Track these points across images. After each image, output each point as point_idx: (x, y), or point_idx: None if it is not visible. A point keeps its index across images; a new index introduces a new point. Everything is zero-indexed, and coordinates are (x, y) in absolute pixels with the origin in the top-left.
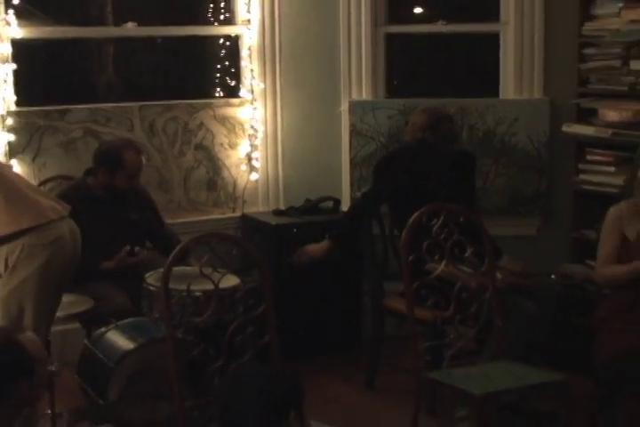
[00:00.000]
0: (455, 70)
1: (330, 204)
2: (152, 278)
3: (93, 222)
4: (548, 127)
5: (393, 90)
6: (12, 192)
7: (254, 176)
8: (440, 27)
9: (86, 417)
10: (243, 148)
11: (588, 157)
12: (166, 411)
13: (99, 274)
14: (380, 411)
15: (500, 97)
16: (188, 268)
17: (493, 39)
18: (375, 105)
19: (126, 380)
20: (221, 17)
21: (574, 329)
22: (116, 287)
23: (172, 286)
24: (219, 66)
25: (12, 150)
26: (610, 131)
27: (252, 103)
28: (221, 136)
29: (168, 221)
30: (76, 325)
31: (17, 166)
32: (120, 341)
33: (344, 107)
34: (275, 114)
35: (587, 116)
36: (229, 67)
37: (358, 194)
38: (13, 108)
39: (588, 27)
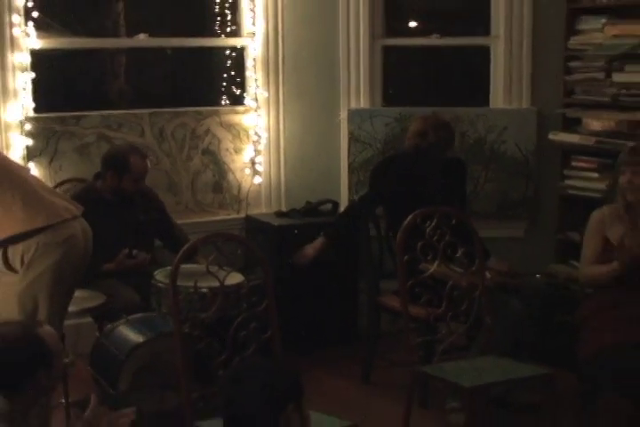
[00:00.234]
0: (448, 81)
1: (329, 206)
2: (161, 276)
3: (102, 224)
4: (535, 135)
5: (389, 99)
6: (28, 193)
7: (258, 180)
8: (434, 40)
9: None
10: (247, 153)
11: (573, 164)
12: (173, 401)
13: (103, 273)
14: (375, 403)
15: (490, 106)
16: (195, 265)
17: (484, 52)
18: (372, 113)
19: (136, 371)
20: (228, 29)
21: (559, 327)
22: (126, 285)
23: (179, 282)
24: (225, 75)
25: (30, 154)
26: (593, 139)
27: (256, 111)
28: (227, 142)
29: (176, 221)
30: (89, 319)
31: (34, 169)
32: (130, 334)
33: (343, 115)
34: (277, 121)
35: (572, 125)
36: (235, 76)
37: (356, 197)
38: (31, 114)
39: (574, 41)
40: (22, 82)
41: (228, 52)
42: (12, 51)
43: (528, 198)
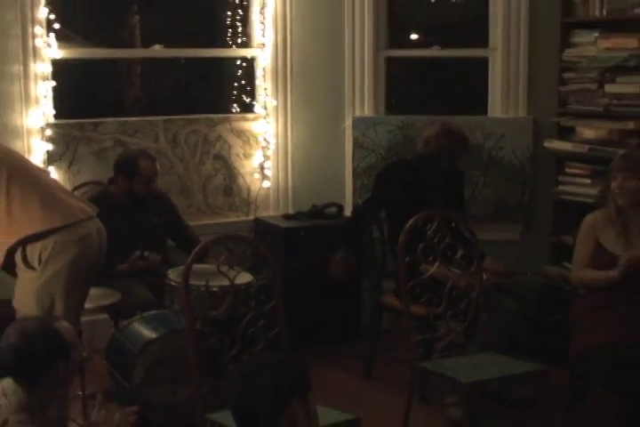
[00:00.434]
0: (448, 90)
1: (334, 209)
2: (174, 275)
3: (117, 226)
4: (531, 143)
5: (392, 107)
6: (47, 194)
7: (266, 184)
8: (435, 51)
9: (114, 399)
10: (256, 158)
11: (567, 170)
12: (185, 394)
13: (117, 273)
14: (376, 397)
15: (488, 115)
16: (207, 265)
17: (483, 63)
18: (376, 121)
19: (149, 366)
20: (239, 40)
21: (552, 325)
22: (141, 283)
23: (191, 281)
24: (236, 84)
25: (51, 158)
26: (586, 147)
27: (265, 118)
28: (237, 147)
29: (188, 223)
30: (105, 316)
31: (54, 172)
32: (144, 330)
33: (348, 122)
34: (285, 128)
35: (566, 133)
36: (245, 85)
37: (360, 201)
38: (52, 120)
39: (568, 53)
40: (44, 90)
41: (238, 62)
42: (35, 60)
43: (524, 203)
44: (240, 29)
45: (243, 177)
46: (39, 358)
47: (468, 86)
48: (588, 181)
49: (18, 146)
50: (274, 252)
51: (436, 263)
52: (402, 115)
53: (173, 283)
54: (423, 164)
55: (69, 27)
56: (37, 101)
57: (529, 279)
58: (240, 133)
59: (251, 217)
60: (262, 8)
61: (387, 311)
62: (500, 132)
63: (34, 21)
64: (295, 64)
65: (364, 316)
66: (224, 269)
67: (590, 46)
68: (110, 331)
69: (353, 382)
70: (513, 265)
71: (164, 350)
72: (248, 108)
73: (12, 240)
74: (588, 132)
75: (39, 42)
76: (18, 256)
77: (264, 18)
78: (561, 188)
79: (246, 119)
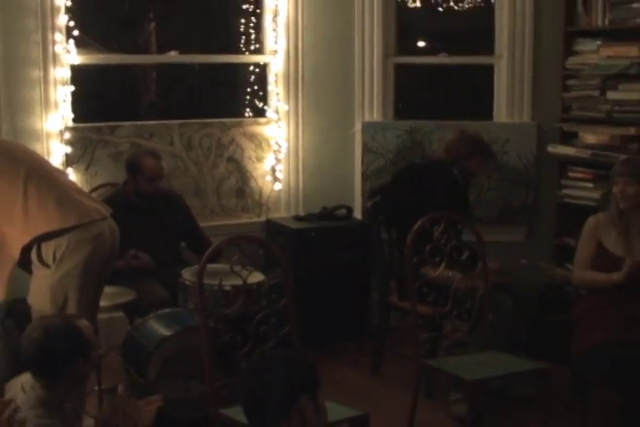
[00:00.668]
0: (455, 96)
1: (343, 211)
2: (188, 274)
3: (129, 226)
4: (535, 147)
5: (400, 113)
6: (62, 194)
7: (278, 186)
8: (442, 58)
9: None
10: (268, 161)
11: (570, 175)
12: (198, 390)
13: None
14: (383, 393)
15: (494, 120)
16: (220, 265)
17: (488, 70)
18: (385, 126)
19: (163, 362)
20: (252, 47)
21: (554, 325)
22: (156, 282)
23: (205, 281)
24: (249, 89)
25: (69, 161)
26: (589, 152)
27: (277, 122)
28: (250, 151)
29: (202, 224)
30: (121, 313)
31: (72, 174)
32: (159, 328)
33: (357, 127)
34: (297, 132)
35: (569, 138)
36: (258, 90)
37: (369, 203)
38: (70, 124)
39: (571, 61)
40: (63, 94)
41: (251, 68)
42: (54, 66)
43: (528, 206)
44: (253, 36)
45: (255, 179)
46: (60, 355)
47: (474, 92)
48: (590, 184)
49: (37, 149)
50: (285, 252)
51: (443, 265)
52: (410, 120)
53: (187, 282)
54: (435, 169)
55: (88, 33)
56: (56, 105)
57: (530, 279)
58: (252, 137)
59: (262, 218)
60: (275, 16)
61: (394, 310)
62: (504, 137)
63: (54, 28)
64: (306, 70)
65: (373, 315)
66: (237, 268)
67: (593, 54)
68: (126, 328)
69: (361, 378)
70: (517, 266)
71: (178, 346)
72: (260, 113)
73: (27, 238)
74: (590, 137)
75: (59, 48)
76: (33, 254)
77: (276, 25)
78: (564, 191)
79: (259, 123)
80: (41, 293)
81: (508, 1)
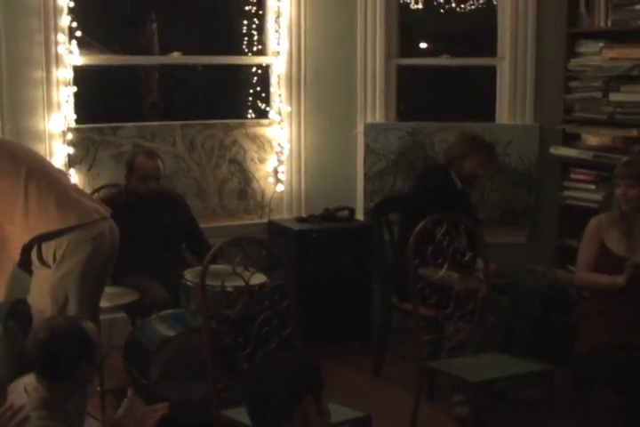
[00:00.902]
0: (457, 98)
1: (346, 212)
2: (190, 275)
3: (129, 226)
4: (537, 149)
5: (402, 114)
6: (62, 195)
7: (280, 187)
8: (444, 60)
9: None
10: (270, 162)
11: (572, 176)
12: (200, 391)
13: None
14: (385, 395)
15: (496, 122)
16: (222, 266)
17: (491, 72)
18: (387, 127)
19: (166, 363)
20: (254, 48)
21: (557, 326)
22: (156, 282)
23: (207, 282)
24: (251, 91)
25: (71, 161)
26: (591, 153)
27: (279, 124)
28: (252, 152)
29: (204, 225)
30: (123, 314)
31: (75, 175)
32: (161, 329)
33: (359, 128)
34: (299, 133)
35: (571, 140)
36: (260, 92)
37: (371, 204)
38: (73, 124)
39: (573, 63)
40: (65, 95)
41: (254, 69)
42: (57, 67)
43: (530, 207)
44: (256, 38)
45: (257, 181)
46: (65, 356)
47: (476, 94)
48: (592, 186)
49: (40, 149)
50: (287, 253)
51: (445, 266)
52: (412, 121)
53: (190, 283)
54: (431, 172)
55: (91, 34)
56: (59, 106)
57: (528, 280)
58: (255, 138)
59: (265, 220)
60: (277, 17)
61: (396, 312)
62: (507, 139)
63: (57, 29)
64: (309, 71)
65: (375, 316)
66: (239, 270)
67: (595, 56)
68: (128, 329)
69: (363, 379)
70: (520, 267)
71: (181, 347)
72: (263, 114)
73: (27, 237)
74: (592, 139)
75: (61, 49)
76: (33, 254)
77: (279, 27)
78: (566, 193)
79: (261, 125)
80: (41, 293)
81: (511, 2)
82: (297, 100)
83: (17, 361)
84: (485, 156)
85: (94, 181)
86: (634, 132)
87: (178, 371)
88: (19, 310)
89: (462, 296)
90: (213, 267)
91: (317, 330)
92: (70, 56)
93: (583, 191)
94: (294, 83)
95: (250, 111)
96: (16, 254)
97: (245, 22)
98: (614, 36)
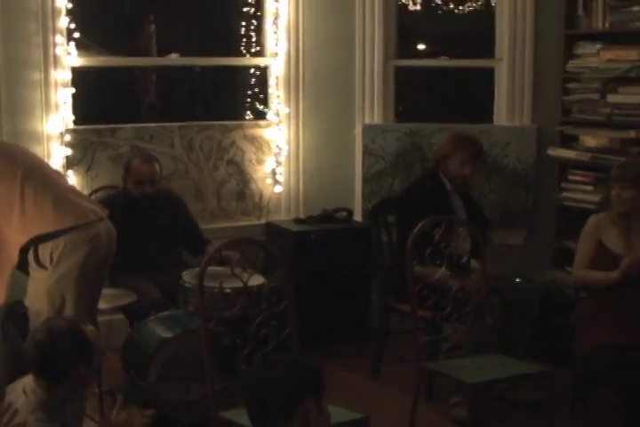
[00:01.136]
0: (455, 99)
1: (344, 214)
2: (188, 276)
3: (126, 227)
4: (535, 151)
5: (400, 115)
6: (59, 196)
7: (278, 189)
8: (442, 61)
9: (130, 398)
10: (269, 164)
11: (570, 177)
12: (198, 393)
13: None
14: (384, 396)
15: (494, 123)
16: (220, 268)
17: (489, 73)
18: (385, 128)
19: (164, 364)
20: (252, 50)
21: (555, 328)
22: (152, 284)
23: (205, 283)
24: (249, 92)
25: (69, 163)
26: (589, 155)
27: (277, 125)
28: (250, 153)
29: (202, 227)
30: (121, 316)
31: (73, 177)
32: (159, 330)
33: (358, 129)
34: (297, 135)
35: (569, 141)
36: (259, 93)
37: (369, 205)
38: (71, 126)
39: (571, 64)
40: (63, 97)
41: (252, 70)
42: (55, 68)
43: (527, 209)
44: (254, 39)
45: (255, 182)
46: (63, 357)
47: (474, 95)
48: (590, 187)
49: (38, 151)
50: (285, 255)
51: (444, 267)
52: (410, 122)
53: (188, 284)
54: (424, 176)
55: (89, 36)
56: (57, 108)
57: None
58: (253, 140)
59: (263, 221)
60: (275, 19)
61: (394, 313)
62: (505, 140)
63: (55, 31)
64: (307, 73)
65: (373, 317)
66: (237, 271)
67: (593, 58)
68: (126, 330)
69: (361, 381)
70: (516, 269)
71: (179, 349)
72: (261, 116)
73: (24, 239)
74: (590, 140)
75: (59, 50)
76: (30, 255)
77: (277, 28)
78: (564, 194)
79: (259, 126)
80: (38, 294)
81: (509, 4)
82: (295, 102)
83: (14, 363)
84: (469, 154)
85: (92, 183)
86: (631, 134)
87: (176, 372)
88: (16, 311)
89: (460, 297)
90: (211, 268)
91: (315, 331)
92: (68, 57)
93: (581, 193)
94: (292, 84)
95: (248, 112)
96: (14, 256)
97: (243, 23)
98: (612, 38)
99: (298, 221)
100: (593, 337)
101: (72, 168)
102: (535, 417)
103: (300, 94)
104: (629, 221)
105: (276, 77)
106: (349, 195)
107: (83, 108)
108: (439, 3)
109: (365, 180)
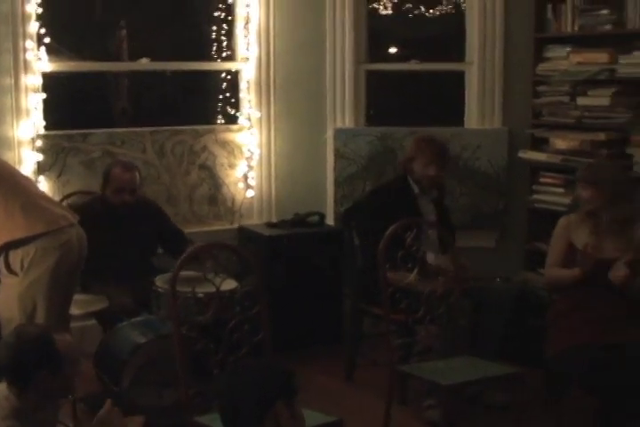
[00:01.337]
0: (426, 103)
1: (316, 218)
2: (160, 281)
3: (101, 233)
4: (506, 153)
5: (372, 119)
6: (29, 202)
7: (250, 193)
8: (413, 65)
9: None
10: (240, 168)
11: (541, 180)
12: (172, 398)
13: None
14: (357, 399)
15: (465, 126)
16: (192, 272)
17: (459, 76)
18: (356, 132)
19: (137, 370)
20: (223, 54)
21: (529, 330)
22: (122, 290)
23: (178, 288)
24: (220, 96)
25: (40, 168)
26: (560, 157)
27: (249, 129)
28: (222, 158)
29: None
30: (94, 321)
31: (44, 182)
32: (132, 335)
33: (329, 133)
34: (269, 139)
35: (540, 144)
36: (230, 97)
37: (341, 209)
38: (42, 131)
39: (541, 67)
40: (34, 102)
41: (223, 75)
42: (26, 73)
43: (499, 211)
44: (225, 43)
45: (227, 186)
46: (25, 363)
47: (445, 99)
48: (561, 190)
49: (9, 156)
50: (258, 259)
51: (416, 270)
52: (381, 126)
53: (160, 289)
54: (393, 181)
55: (59, 41)
56: (28, 113)
57: (496, 283)
58: (225, 144)
59: (235, 225)
60: (246, 23)
61: (367, 316)
62: (476, 143)
63: (25, 36)
64: (278, 77)
65: (346, 321)
66: (210, 276)
67: (562, 61)
68: (98, 336)
69: (335, 384)
70: (488, 271)
71: (152, 354)
72: (232, 120)
73: None
74: (561, 142)
75: (30, 55)
76: (0, 262)
77: (248, 32)
78: (535, 196)
79: (231, 130)
80: (9, 301)
81: (478, 8)
82: (266, 106)
83: None
84: (432, 153)
85: (64, 188)
86: (601, 136)
87: (149, 378)
88: None
89: (431, 300)
90: (184, 273)
91: (289, 335)
92: (39, 63)
93: (552, 195)
94: (264, 88)
95: (219, 117)
96: None
97: (214, 28)
98: (581, 41)
99: (270, 225)
100: (566, 337)
101: (43, 174)
102: (508, 419)
103: (272, 98)
104: (597, 219)
105: (248, 82)
106: (321, 199)
107: (54, 113)
108: (410, 6)
109: (337, 183)
